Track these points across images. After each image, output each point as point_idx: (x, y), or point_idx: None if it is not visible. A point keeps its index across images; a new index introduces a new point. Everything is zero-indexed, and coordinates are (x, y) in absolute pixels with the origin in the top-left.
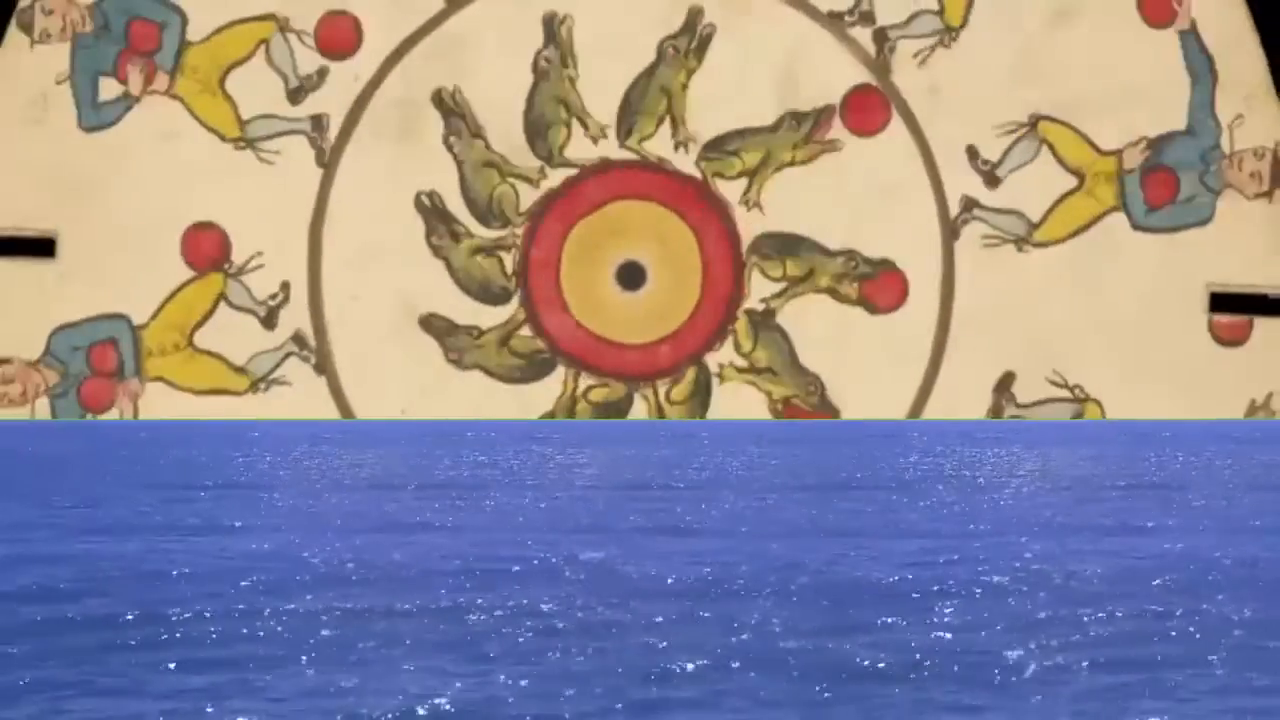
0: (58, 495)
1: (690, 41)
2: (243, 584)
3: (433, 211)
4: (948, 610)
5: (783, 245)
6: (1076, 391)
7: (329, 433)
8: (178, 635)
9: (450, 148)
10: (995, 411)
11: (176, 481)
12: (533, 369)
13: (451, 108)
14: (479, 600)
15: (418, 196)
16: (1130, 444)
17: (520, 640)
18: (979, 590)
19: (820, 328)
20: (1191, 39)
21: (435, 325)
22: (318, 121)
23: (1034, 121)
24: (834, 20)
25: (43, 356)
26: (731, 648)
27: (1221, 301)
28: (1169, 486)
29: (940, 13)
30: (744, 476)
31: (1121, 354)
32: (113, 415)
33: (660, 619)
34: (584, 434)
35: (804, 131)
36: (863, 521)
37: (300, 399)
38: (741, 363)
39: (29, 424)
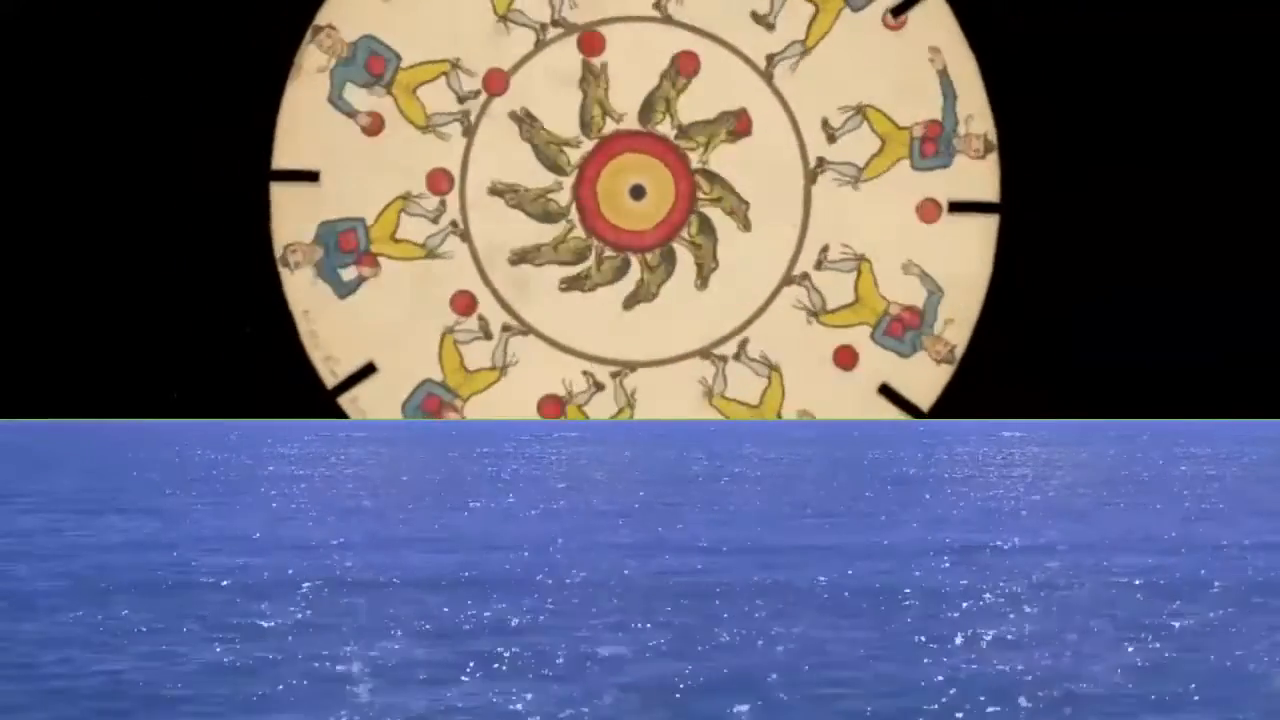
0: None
1: (686, 81)
2: None
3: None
4: None
5: (703, 127)
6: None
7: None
8: None
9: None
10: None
11: None
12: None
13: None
14: None
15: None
16: None
17: None
18: None
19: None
20: (947, 78)
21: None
22: (465, 114)
23: (862, 108)
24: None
25: (314, 239)
26: None
27: (956, 206)
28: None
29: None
30: None
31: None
32: (351, 275)
33: None
34: None
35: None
36: None
37: (453, 260)
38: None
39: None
